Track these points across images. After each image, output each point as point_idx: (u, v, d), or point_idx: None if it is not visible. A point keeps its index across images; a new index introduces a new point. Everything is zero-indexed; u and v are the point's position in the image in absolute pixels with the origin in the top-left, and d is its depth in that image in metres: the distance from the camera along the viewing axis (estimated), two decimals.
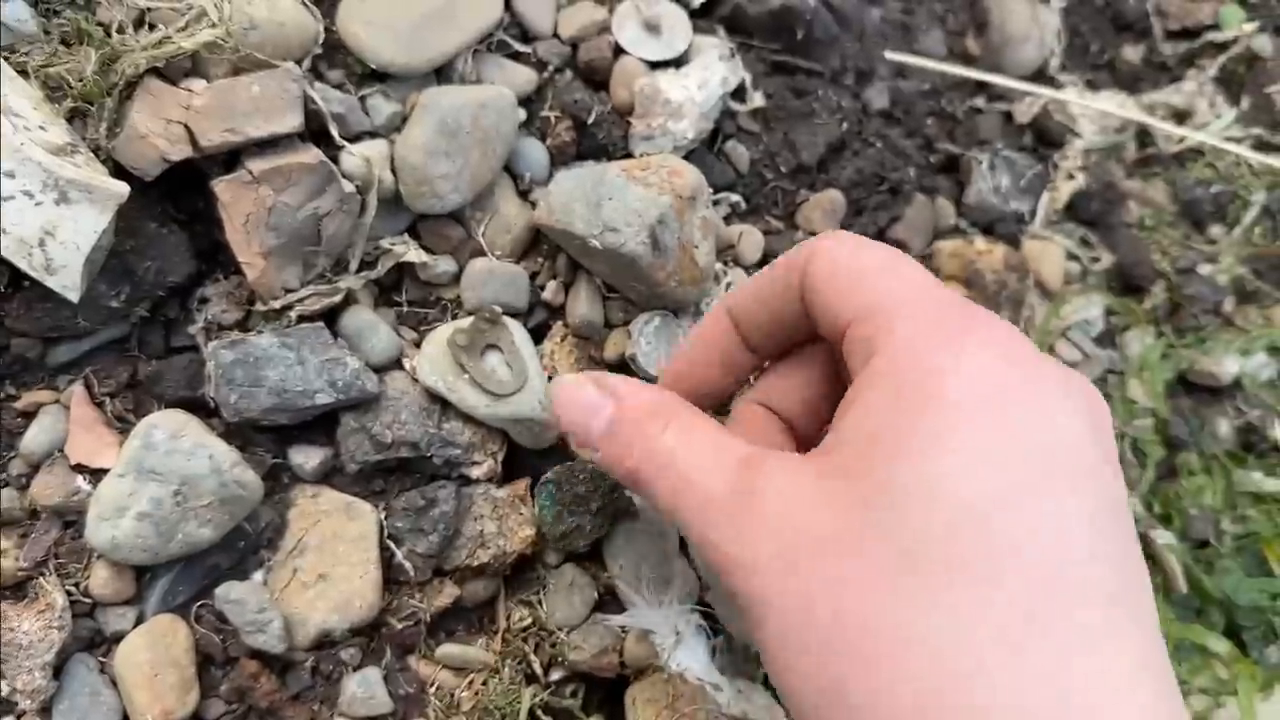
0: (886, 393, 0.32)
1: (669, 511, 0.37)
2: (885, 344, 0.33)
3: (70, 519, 0.48)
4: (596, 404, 0.41)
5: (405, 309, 0.55)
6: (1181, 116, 0.82)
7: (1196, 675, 0.66)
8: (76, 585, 0.48)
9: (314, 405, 0.49)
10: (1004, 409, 0.30)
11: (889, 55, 0.67)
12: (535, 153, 0.57)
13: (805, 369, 0.44)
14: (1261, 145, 0.81)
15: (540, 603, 0.53)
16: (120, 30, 0.48)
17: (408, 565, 0.51)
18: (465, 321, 0.53)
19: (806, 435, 0.45)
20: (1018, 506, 0.29)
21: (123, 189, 0.45)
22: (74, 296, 0.46)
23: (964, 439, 0.30)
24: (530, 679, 0.53)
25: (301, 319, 0.51)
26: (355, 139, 0.52)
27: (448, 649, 0.52)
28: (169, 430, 0.47)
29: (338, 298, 0.52)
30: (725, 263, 0.60)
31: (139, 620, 0.48)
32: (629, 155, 0.59)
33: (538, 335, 0.56)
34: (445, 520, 0.51)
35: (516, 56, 0.58)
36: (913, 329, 0.33)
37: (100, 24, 0.48)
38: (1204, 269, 0.78)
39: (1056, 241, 0.71)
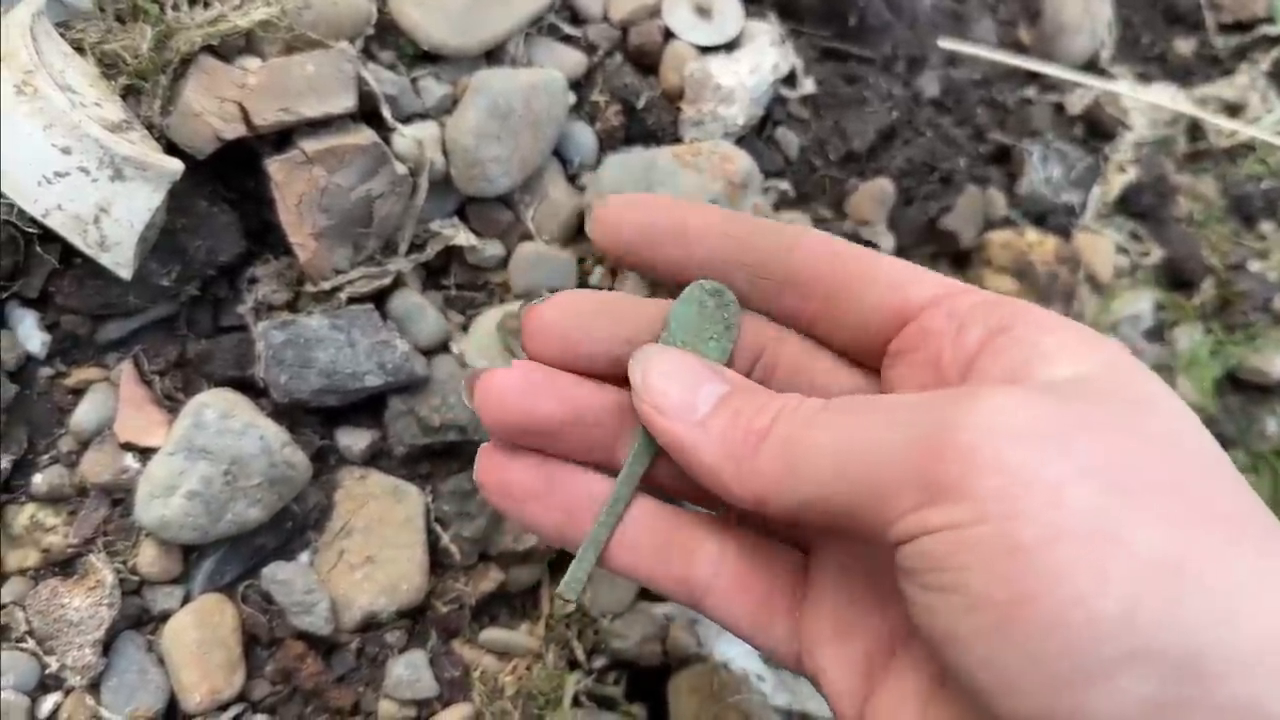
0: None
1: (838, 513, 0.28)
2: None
3: (119, 497, 0.48)
4: (705, 375, 0.32)
5: (453, 292, 0.54)
6: (1233, 110, 0.80)
7: None
8: (124, 563, 0.48)
9: (363, 387, 0.49)
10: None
11: (942, 43, 0.66)
12: (584, 137, 0.57)
13: None
14: None
15: (584, 589, 0.53)
16: (175, 7, 0.48)
17: (454, 549, 0.51)
18: (515, 305, 0.52)
19: None
20: None
21: (177, 166, 0.45)
22: (126, 274, 0.46)
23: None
24: (573, 665, 0.52)
25: (351, 301, 0.51)
26: (406, 120, 0.52)
27: (491, 634, 0.51)
28: (220, 410, 0.47)
29: (387, 280, 0.51)
30: None
31: (186, 599, 0.48)
32: (678, 140, 0.58)
33: None
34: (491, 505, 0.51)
35: (567, 40, 0.58)
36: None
37: (156, 1, 0.47)
38: (1254, 265, 0.77)
39: (1107, 235, 0.70)
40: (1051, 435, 0.25)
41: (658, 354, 0.32)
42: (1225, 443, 0.71)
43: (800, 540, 0.36)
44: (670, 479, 0.35)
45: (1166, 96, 0.77)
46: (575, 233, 0.57)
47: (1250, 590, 0.23)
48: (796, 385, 0.35)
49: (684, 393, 0.31)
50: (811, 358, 0.36)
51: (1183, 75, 0.80)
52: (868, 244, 0.60)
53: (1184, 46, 0.81)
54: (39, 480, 0.47)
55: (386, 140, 0.50)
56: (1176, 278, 0.73)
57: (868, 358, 0.34)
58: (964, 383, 0.30)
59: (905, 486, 0.26)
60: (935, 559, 0.25)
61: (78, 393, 0.49)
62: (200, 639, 0.47)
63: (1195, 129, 0.79)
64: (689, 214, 0.36)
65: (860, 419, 0.28)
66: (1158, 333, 0.72)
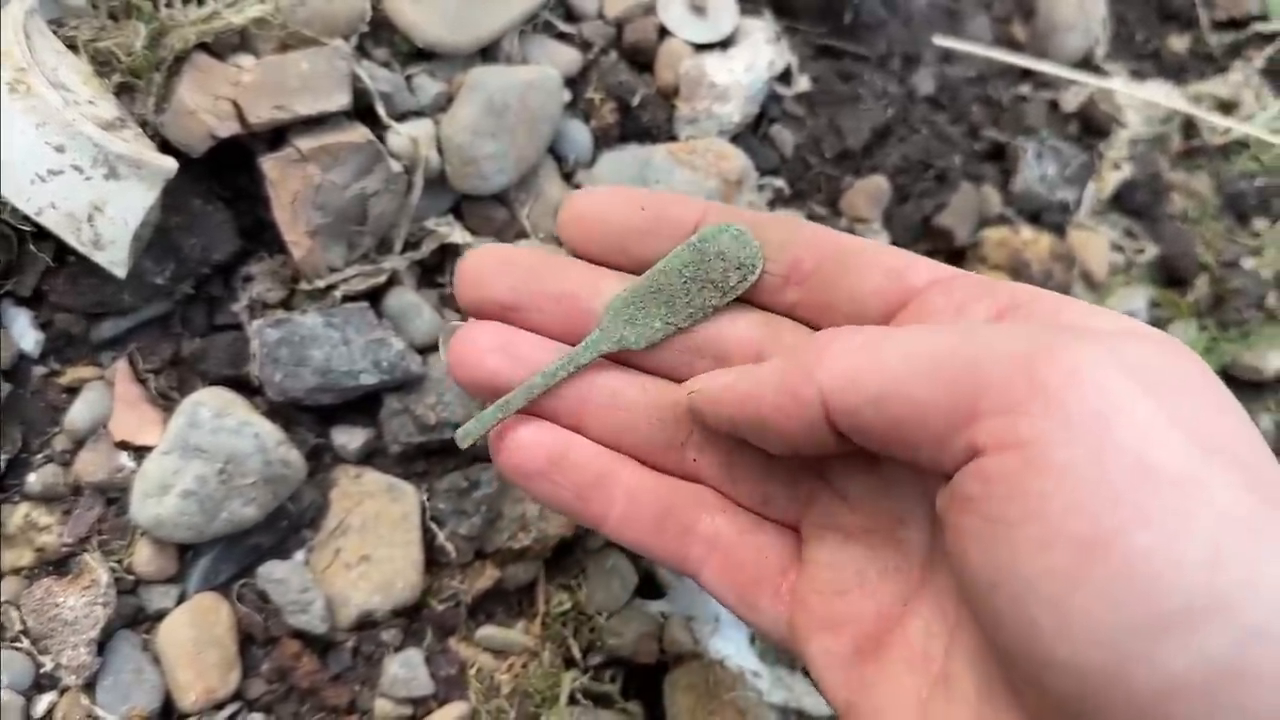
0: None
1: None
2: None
3: (113, 496, 0.48)
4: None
5: (448, 290, 0.54)
6: (1227, 108, 0.80)
7: None
8: (119, 562, 0.48)
9: (358, 385, 0.49)
10: None
11: (938, 40, 0.66)
12: (579, 134, 0.57)
13: None
14: None
15: (580, 587, 0.53)
16: (169, 4, 0.48)
17: (449, 547, 0.51)
18: None
19: None
20: None
21: (171, 165, 0.45)
22: (121, 272, 0.46)
23: None
24: (569, 663, 0.52)
25: (346, 299, 0.51)
26: (401, 118, 0.52)
27: (488, 631, 0.51)
28: (214, 408, 0.47)
29: (382, 278, 0.51)
30: None
31: (181, 598, 0.48)
32: (673, 138, 0.58)
33: None
34: (487, 502, 0.51)
35: (561, 37, 0.58)
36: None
37: None
38: (1248, 262, 0.77)
39: (1101, 232, 0.70)
40: (1147, 379, 0.25)
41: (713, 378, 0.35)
42: None
43: (793, 521, 0.37)
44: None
45: (1160, 94, 0.77)
46: None
47: None
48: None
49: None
50: (773, 333, 0.37)
51: (1177, 72, 0.80)
52: None
53: (1178, 43, 0.81)
54: (33, 479, 0.47)
55: (381, 138, 0.50)
56: (1171, 275, 0.73)
57: None
58: None
59: (1002, 383, 0.25)
60: (1010, 482, 0.24)
61: (72, 391, 0.49)
62: (195, 638, 0.47)
63: (1189, 126, 0.79)
64: (688, 209, 0.37)
65: (952, 330, 0.28)
66: None
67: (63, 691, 0.46)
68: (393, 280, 0.52)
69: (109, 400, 0.49)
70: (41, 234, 0.45)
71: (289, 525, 0.50)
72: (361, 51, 0.52)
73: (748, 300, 0.37)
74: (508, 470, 0.37)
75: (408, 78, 0.53)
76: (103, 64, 0.47)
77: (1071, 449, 0.24)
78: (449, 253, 0.54)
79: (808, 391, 0.30)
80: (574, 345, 0.37)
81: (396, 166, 0.50)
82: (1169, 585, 0.22)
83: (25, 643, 0.46)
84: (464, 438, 0.38)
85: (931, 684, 0.30)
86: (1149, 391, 0.24)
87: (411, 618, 0.51)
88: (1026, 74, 0.72)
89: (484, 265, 0.37)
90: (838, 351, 0.29)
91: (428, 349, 0.52)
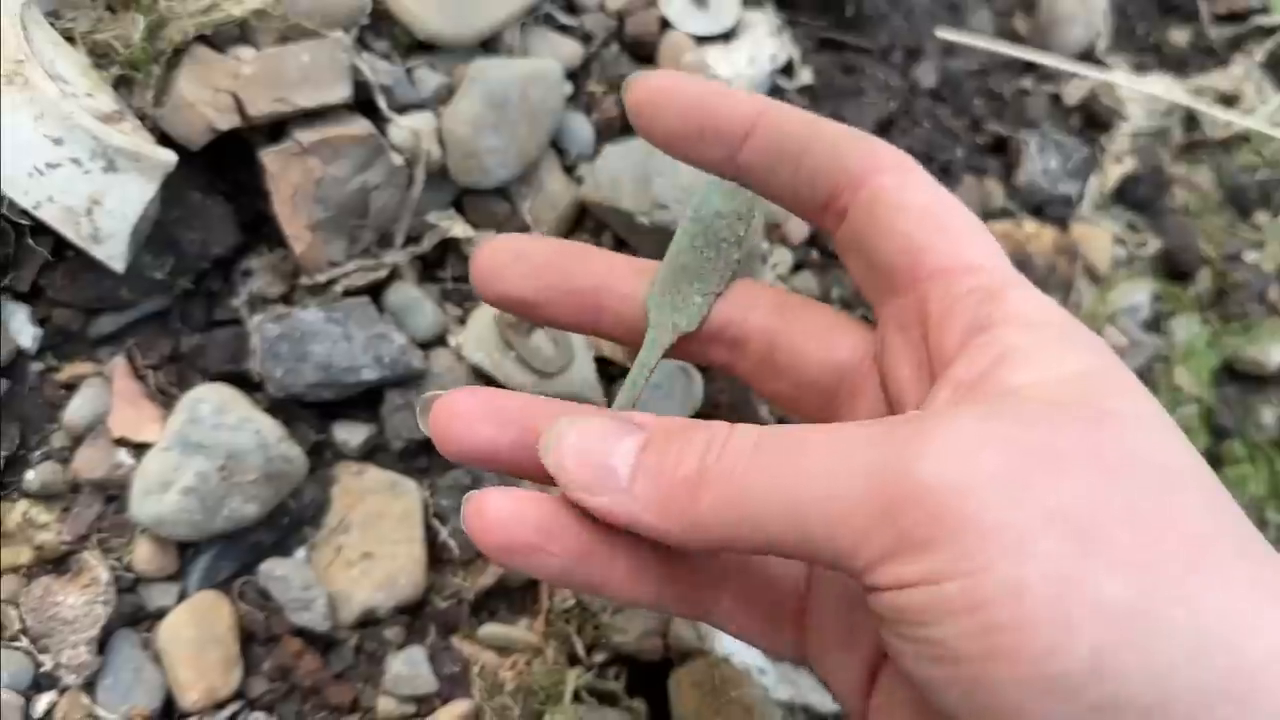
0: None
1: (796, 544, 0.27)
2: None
3: (113, 493, 0.48)
4: (615, 434, 0.29)
5: (450, 285, 0.54)
6: (1228, 101, 0.80)
7: None
8: (119, 560, 0.47)
9: (360, 381, 0.49)
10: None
11: (940, 33, 0.66)
12: (581, 128, 0.56)
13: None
14: None
15: None
16: None
17: (452, 544, 0.50)
18: None
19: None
20: None
21: (170, 158, 0.44)
22: (120, 267, 0.45)
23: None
24: (573, 660, 0.52)
25: (347, 294, 0.50)
26: (402, 111, 0.51)
27: (491, 629, 0.51)
28: (215, 404, 0.46)
29: (383, 273, 0.51)
30: (771, 242, 0.59)
31: (181, 596, 0.48)
32: None
33: None
34: None
35: (563, 29, 0.57)
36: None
37: None
38: (1249, 256, 0.77)
39: (1104, 226, 0.70)
40: (1011, 478, 0.24)
41: (566, 429, 0.30)
42: (1223, 434, 0.71)
43: None
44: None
45: (1162, 87, 0.77)
46: (573, 225, 0.56)
47: (1214, 624, 0.22)
48: (772, 361, 0.36)
49: (599, 465, 0.29)
50: (785, 322, 0.36)
51: (1178, 66, 0.80)
52: None
53: (1179, 37, 0.81)
54: (31, 477, 0.47)
55: (382, 131, 0.50)
56: (1173, 268, 0.73)
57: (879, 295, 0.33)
58: (935, 380, 0.30)
59: (870, 536, 0.25)
60: (908, 613, 0.25)
61: (70, 388, 0.48)
62: (197, 636, 0.46)
63: (1191, 120, 0.79)
64: (733, 102, 0.33)
65: (805, 462, 0.26)
66: (1155, 324, 0.72)
67: (62, 691, 0.46)
68: (394, 275, 0.52)
69: (107, 396, 0.48)
70: (39, 228, 0.45)
71: (290, 522, 0.49)
72: (362, 44, 0.52)
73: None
74: (492, 554, 0.32)
75: (408, 70, 0.52)
76: (101, 56, 0.46)
77: (949, 584, 0.24)
78: (450, 247, 0.54)
79: (699, 548, 0.29)
80: (598, 337, 0.36)
81: (398, 160, 0.49)
82: (1059, 693, 0.23)
83: (24, 642, 0.45)
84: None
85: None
86: (1012, 494, 0.24)
87: (414, 615, 0.51)
88: (1028, 67, 0.72)
89: (498, 259, 0.36)
90: (706, 510, 0.28)
91: (429, 344, 0.52)
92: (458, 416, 0.32)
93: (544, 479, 0.32)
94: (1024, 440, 0.25)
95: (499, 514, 0.31)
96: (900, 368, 0.32)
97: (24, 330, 0.47)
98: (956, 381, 0.28)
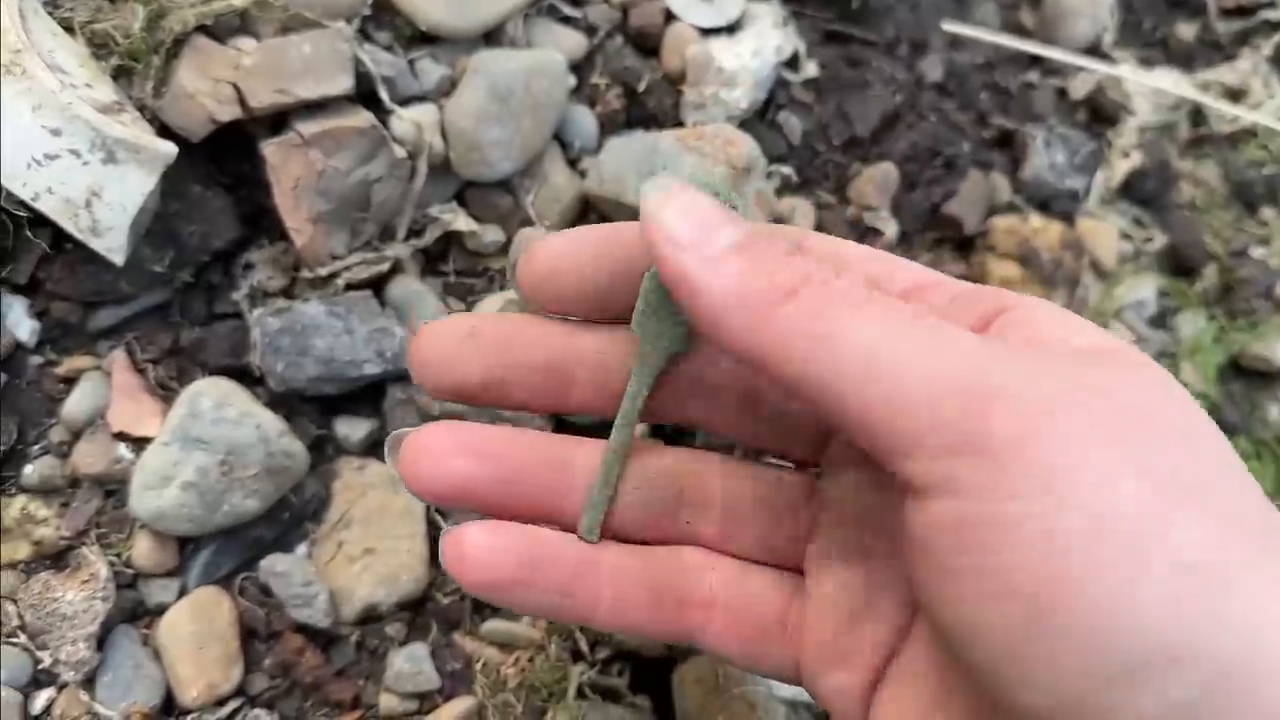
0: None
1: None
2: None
3: (112, 488, 0.47)
4: (723, 219, 0.28)
5: (452, 279, 0.53)
6: (1235, 96, 0.80)
7: None
8: (118, 556, 0.47)
9: (361, 375, 0.48)
10: None
11: (946, 26, 0.66)
12: (585, 120, 0.56)
13: None
14: None
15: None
16: None
17: None
18: (515, 294, 0.51)
19: None
20: None
21: (170, 149, 0.44)
22: (119, 259, 0.45)
23: None
24: (576, 657, 0.51)
25: (349, 287, 0.50)
26: (404, 103, 0.51)
27: (493, 625, 0.51)
28: (215, 398, 0.46)
29: (385, 266, 0.50)
30: None
31: (181, 592, 0.47)
32: (680, 124, 0.57)
33: None
34: None
35: (566, 21, 0.57)
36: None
37: None
38: (1256, 251, 0.76)
39: (1110, 221, 0.69)
40: (1109, 420, 0.24)
41: (674, 188, 0.28)
42: (1229, 430, 0.71)
43: (794, 560, 0.35)
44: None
45: (1169, 81, 0.77)
46: (576, 218, 0.56)
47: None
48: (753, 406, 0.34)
49: (699, 227, 0.27)
50: None
51: (1185, 60, 0.80)
52: (871, 230, 0.59)
53: (1186, 31, 0.81)
54: (30, 471, 0.46)
55: (384, 123, 0.49)
56: (1179, 264, 0.73)
57: None
58: None
59: (939, 425, 0.24)
60: (957, 532, 0.24)
61: (69, 382, 0.48)
62: (197, 632, 0.46)
63: (1197, 114, 0.78)
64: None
65: (910, 331, 0.25)
66: (1161, 319, 0.71)
67: (61, 688, 0.45)
68: (396, 268, 0.51)
69: (107, 390, 0.48)
70: (38, 220, 0.44)
71: (291, 518, 0.49)
72: (364, 35, 0.51)
73: None
74: (475, 589, 0.31)
75: (410, 62, 0.52)
76: (100, 46, 0.46)
77: (1017, 504, 0.23)
78: (453, 240, 0.53)
79: (743, 344, 0.27)
80: (564, 414, 0.34)
81: (400, 152, 0.49)
82: (1126, 635, 0.22)
83: (23, 638, 0.45)
84: (590, 533, 0.33)
85: (934, 704, 0.29)
86: (1109, 439, 0.23)
87: (416, 611, 0.50)
88: (1035, 61, 0.72)
89: (446, 345, 0.32)
90: (784, 320, 0.26)
91: None
92: (427, 451, 0.31)
93: (533, 518, 0.32)
94: (1106, 391, 0.24)
95: (478, 550, 0.30)
96: None
97: (22, 323, 0.47)
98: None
